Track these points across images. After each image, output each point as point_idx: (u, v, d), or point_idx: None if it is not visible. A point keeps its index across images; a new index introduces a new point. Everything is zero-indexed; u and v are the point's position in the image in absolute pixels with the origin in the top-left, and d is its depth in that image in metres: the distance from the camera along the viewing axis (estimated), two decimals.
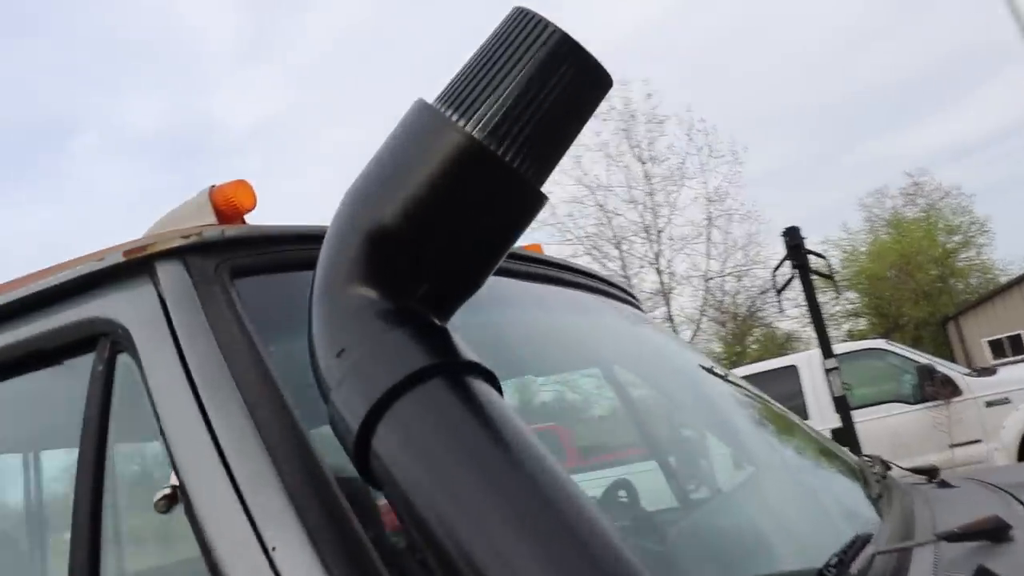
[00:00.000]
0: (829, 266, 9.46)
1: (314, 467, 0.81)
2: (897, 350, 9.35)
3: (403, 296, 0.73)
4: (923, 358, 9.13)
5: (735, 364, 22.66)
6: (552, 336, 1.98)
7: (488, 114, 0.72)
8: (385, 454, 0.64)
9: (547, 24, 0.74)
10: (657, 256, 23.13)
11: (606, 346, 2.28)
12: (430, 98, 0.76)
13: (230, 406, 0.87)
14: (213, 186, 1.32)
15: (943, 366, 8.97)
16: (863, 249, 28.55)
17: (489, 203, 0.73)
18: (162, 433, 0.91)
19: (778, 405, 2.41)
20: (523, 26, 0.74)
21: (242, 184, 1.29)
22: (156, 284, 1.04)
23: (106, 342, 1.07)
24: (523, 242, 2.10)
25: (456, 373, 0.67)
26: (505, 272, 1.73)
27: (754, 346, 26.08)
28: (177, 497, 0.87)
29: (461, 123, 0.71)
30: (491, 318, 1.78)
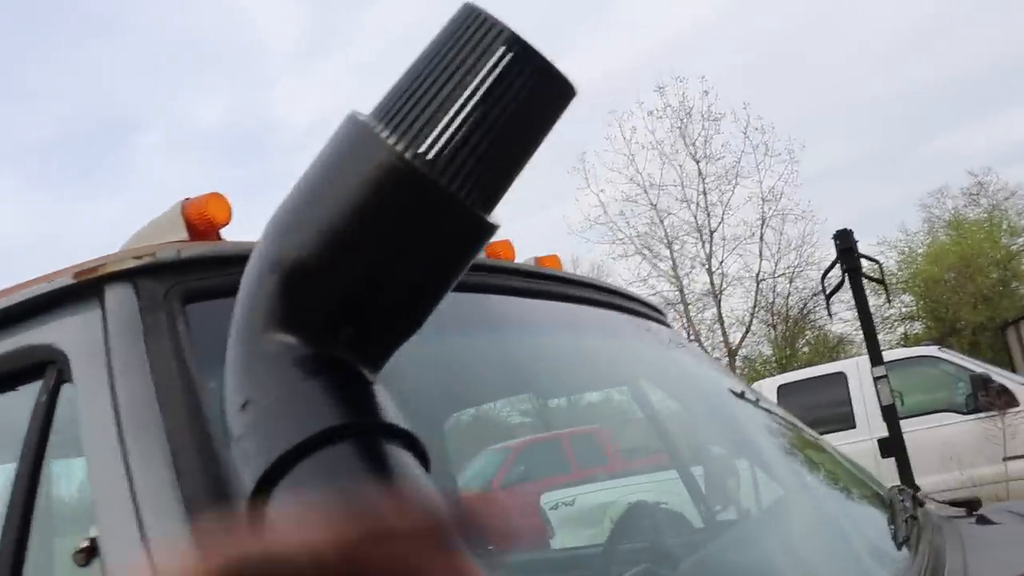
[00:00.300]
0: (882, 270, 9.20)
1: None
2: (950, 357, 9.08)
3: (322, 341, 0.64)
4: (978, 366, 8.85)
5: (785, 367, 22.31)
6: (572, 359, 1.89)
7: (426, 132, 0.62)
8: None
9: (500, 27, 0.64)
10: (709, 256, 22.85)
11: (633, 364, 2.18)
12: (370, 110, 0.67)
13: (152, 453, 0.79)
14: (186, 199, 1.24)
15: (999, 375, 8.68)
16: (921, 251, 27.87)
17: (424, 235, 0.63)
18: (89, 478, 0.83)
19: (809, 431, 2.28)
20: (472, 29, 0.64)
21: (216, 197, 1.21)
22: (103, 309, 0.96)
23: (53, 370, 1.00)
24: (541, 252, 2.00)
25: (369, 436, 0.58)
26: (523, 292, 1.64)
27: (805, 349, 25.62)
28: (96, 551, 0.79)
29: (393, 142, 0.61)
30: (506, 339, 1.69)
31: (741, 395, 2.25)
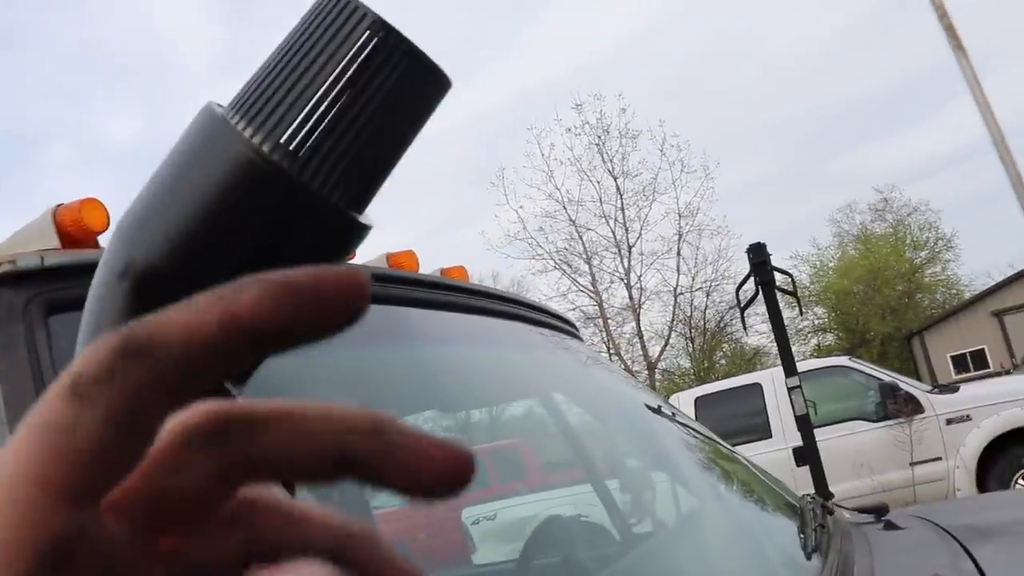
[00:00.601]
0: (794, 283, 9.38)
1: None
2: (860, 367, 9.29)
3: None
4: (887, 375, 9.07)
5: (703, 380, 22.62)
6: (480, 372, 1.84)
7: (286, 123, 0.57)
8: None
9: (363, 10, 0.59)
10: (628, 271, 23.10)
11: (543, 378, 2.14)
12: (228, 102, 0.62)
13: None
14: (58, 205, 1.16)
15: (906, 383, 8.91)
16: (831, 264, 28.59)
17: (288, 237, 0.58)
18: None
19: (723, 443, 2.28)
20: (335, 13, 0.60)
21: (91, 202, 1.14)
22: None
23: None
24: (452, 262, 1.95)
25: None
26: (427, 304, 1.59)
27: (722, 361, 26.04)
28: None
29: (250, 134, 0.57)
30: (410, 352, 1.64)
31: (657, 409, 2.24)
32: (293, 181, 0.57)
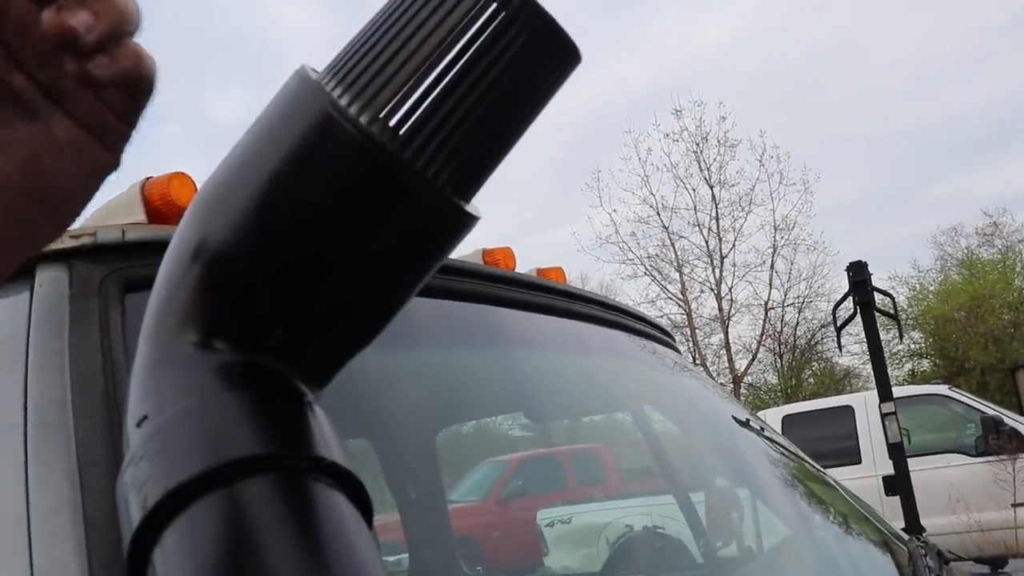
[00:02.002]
0: (895, 305, 9.04)
1: None
2: (960, 397, 8.92)
3: (249, 346, 0.51)
4: (989, 408, 8.69)
5: (790, 397, 22.12)
6: (573, 379, 1.76)
7: (390, 94, 0.49)
8: (164, 573, 0.42)
9: None
10: (719, 282, 22.72)
11: (636, 389, 2.05)
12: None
13: (55, 463, 0.66)
14: (147, 179, 1.12)
15: (1011, 418, 8.51)
16: (932, 288, 27.61)
17: (384, 223, 0.50)
18: None
19: (817, 466, 2.15)
20: None
21: (180, 177, 1.09)
22: (31, 293, 0.84)
23: None
24: (542, 261, 1.87)
25: (296, 472, 0.45)
26: (523, 305, 1.51)
27: (810, 380, 25.40)
28: None
29: (348, 103, 0.49)
30: (504, 354, 1.57)
31: (746, 424, 2.12)
32: (393, 159, 0.49)
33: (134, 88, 0.53)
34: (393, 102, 0.49)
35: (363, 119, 0.49)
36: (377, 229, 0.50)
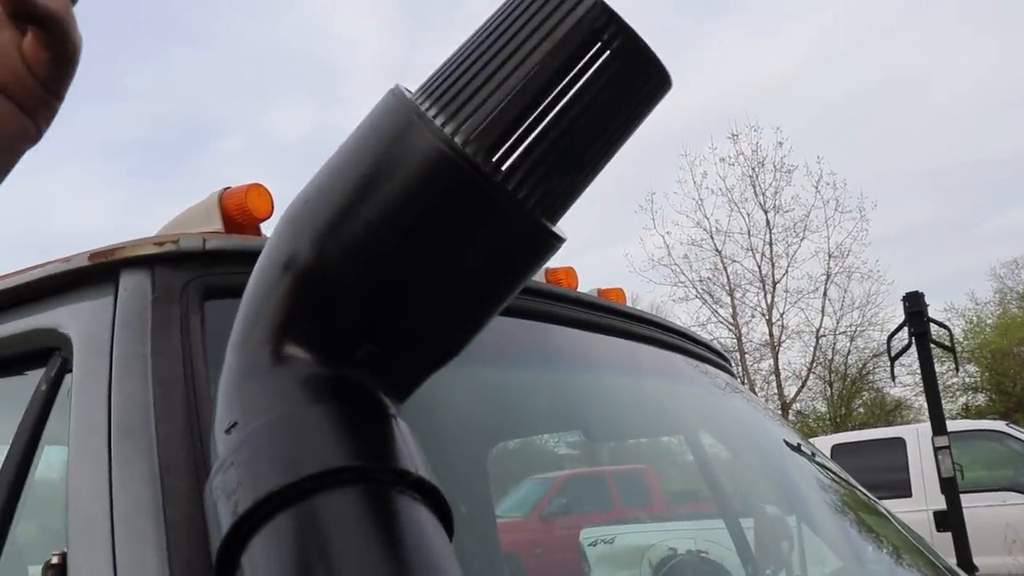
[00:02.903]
0: (951, 337, 8.86)
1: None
2: (1018, 434, 8.71)
3: (337, 359, 0.52)
4: None
5: (839, 426, 21.78)
6: (629, 401, 1.76)
7: (484, 116, 0.50)
8: None
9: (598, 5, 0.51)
10: (770, 307, 22.46)
11: (691, 412, 2.04)
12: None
13: (138, 465, 0.68)
14: (225, 189, 1.14)
15: None
16: (990, 321, 27.07)
17: (473, 242, 0.51)
18: (68, 485, 0.72)
19: (872, 496, 2.12)
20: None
21: (257, 188, 1.12)
22: (115, 297, 0.86)
23: (58, 357, 0.90)
24: (595, 280, 1.88)
25: (382, 485, 0.46)
26: (584, 324, 1.52)
27: (860, 409, 24.97)
28: (64, 569, 0.68)
29: (442, 124, 0.50)
30: (562, 373, 1.57)
31: (799, 448, 2.10)
32: (487, 180, 0.50)
33: (57, 45, 0.52)
34: (488, 124, 0.50)
35: (458, 140, 0.50)
36: (467, 249, 0.51)
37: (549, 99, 0.50)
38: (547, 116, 0.50)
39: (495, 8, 0.54)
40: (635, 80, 0.52)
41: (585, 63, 0.50)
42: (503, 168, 0.50)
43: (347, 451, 0.46)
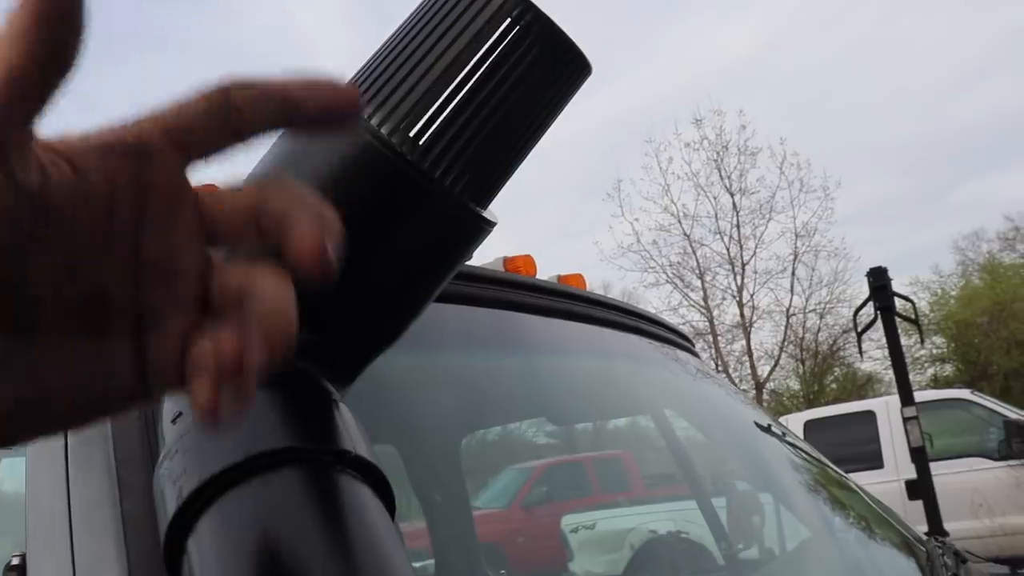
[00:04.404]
0: (915, 310, 8.99)
1: None
2: (983, 402, 8.87)
3: None
4: (1012, 412, 8.62)
5: (812, 403, 22.01)
6: (593, 384, 1.78)
7: (409, 106, 0.52)
8: (197, 561, 0.45)
9: None
10: (740, 289, 22.67)
11: (656, 393, 2.07)
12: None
13: (94, 462, 0.69)
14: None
15: None
16: (954, 293, 27.42)
17: (405, 229, 0.53)
18: (26, 482, 0.74)
19: (837, 469, 2.16)
20: None
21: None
22: None
23: None
24: (565, 271, 1.90)
25: (323, 465, 0.48)
26: (544, 311, 1.54)
27: (833, 386, 25.25)
28: (24, 569, 0.69)
29: (369, 116, 0.52)
30: (524, 359, 1.59)
31: (767, 428, 2.13)
32: (413, 168, 0.52)
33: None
34: (412, 114, 0.52)
35: (384, 130, 0.52)
36: (399, 236, 0.53)
37: (470, 86, 0.52)
38: (469, 103, 0.52)
39: (417, 2, 0.56)
40: (554, 66, 0.54)
41: (503, 50, 0.52)
42: (430, 155, 0.52)
43: (287, 433, 0.48)
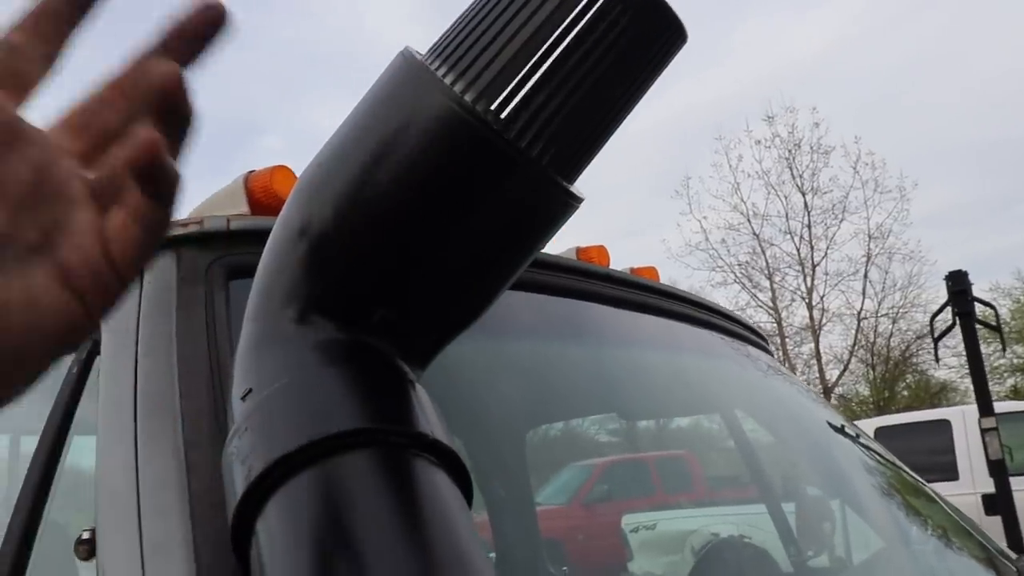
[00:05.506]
0: (997, 316, 8.70)
1: None
2: None
3: (353, 324, 0.52)
4: None
5: (882, 409, 21.53)
6: (665, 379, 1.74)
7: (494, 73, 0.49)
8: (266, 543, 0.43)
9: None
10: (810, 290, 22.25)
11: (728, 391, 2.02)
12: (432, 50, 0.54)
13: (163, 441, 0.68)
14: (250, 172, 1.15)
15: None
16: None
17: (488, 202, 0.50)
18: (96, 463, 0.73)
19: (918, 478, 2.08)
20: None
21: (282, 170, 1.12)
22: (141, 279, 0.87)
23: (88, 340, 0.91)
24: (638, 264, 1.86)
25: (398, 448, 0.45)
26: (617, 302, 1.51)
27: (904, 393, 24.66)
28: (94, 544, 0.69)
29: (452, 82, 0.49)
30: (596, 352, 1.56)
31: (841, 430, 2.07)
32: (498, 137, 0.49)
33: (159, 223, 0.41)
34: (499, 82, 0.49)
35: (468, 97, 0.49)
36: (480, 208, 0.50)
37: (559, 53, 0.49)
38: (558, 71, 0.49)
39: None
40: (648, 33, 0.51)
41: (595, 15, 0.49)
42: (515, 124, 0.49)
43: (360, 413, 0.46)
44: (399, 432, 0.46)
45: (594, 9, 0.49)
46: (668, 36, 0.52)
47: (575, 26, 0.49)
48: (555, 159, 0.50)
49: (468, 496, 0.47)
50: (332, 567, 0.40)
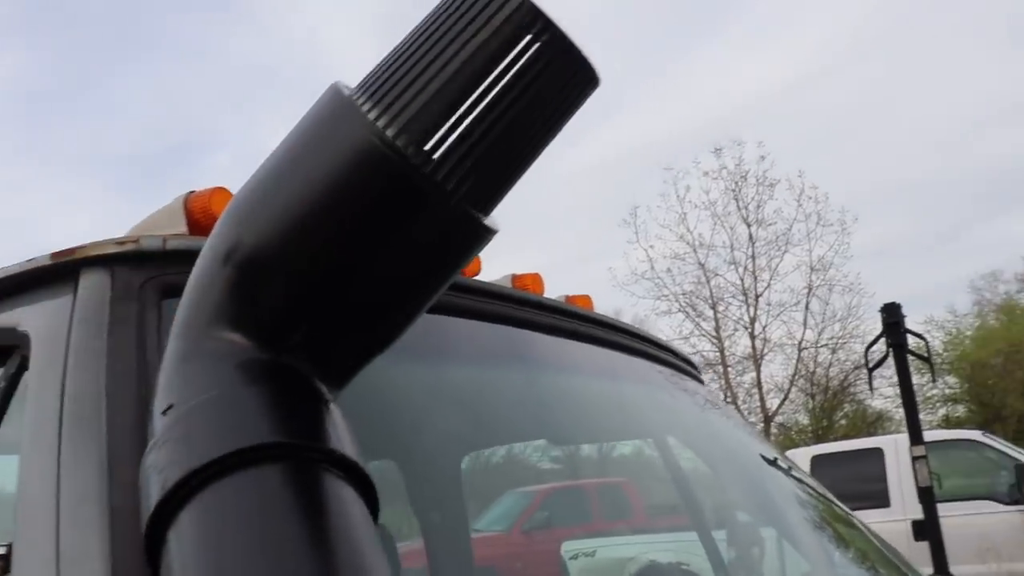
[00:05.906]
0: (928, 348, 8.92)
1: None
2: (995, 444, 8.77)
3: (272, 344, 0.54)
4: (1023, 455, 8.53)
5: (821, 438, 21.85)
6: (596, 405, 1.77)
7: (415, 109, 0.52)
8: (176, 552, 0.45)
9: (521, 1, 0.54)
10: (753, 320, 22.59)
11: (659, 419, 2.06)
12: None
13: (86, 456, 0.69)
14: (190, 192, 1.16)
15: None
16: (969, 333, 27.23)
17: (405, 231, 0.53)
18: (19, 477, 0.74)
19: (842, 506, 2.14)
20: None
21: (220, 191, 1.13)
22: (75, 295, 0.88)
23: (17, 356, 0.91)
24: (574, 291, 1.90)
25: (308, 462, 0.48)
26: (550, 329, 1.54)
27: (842, 422, 25.07)
28: (9, 559, 0.69)
29: (376, 118, 0.52)
30: (524, 378, 1.58)
31: (773, 462, 2.12)
32: (417, 172, 0.52)
33: None
34: (419, 119, 0.52)
35: (389, 133, 0.52)
36: (398, 238, 0.53)
37: (478, 92, 0.52)
38: (476, 109, 0.52)
39: (430, 8, 0.56)
40: (563, 77, 0.54)
41: (513, 58, 0.52)
42: (433, 159, 0.52)
43: (275, 429, 0.48)
44: (311, 448, 0.48)
45: (513, 52, 0.53)
46: (582, 80, 0.55)
47: (494, 68, 0.53)
48: (471, 192, 0.53)
49: (374, 510, 0.50)
50: (236, 572, 0.42)
